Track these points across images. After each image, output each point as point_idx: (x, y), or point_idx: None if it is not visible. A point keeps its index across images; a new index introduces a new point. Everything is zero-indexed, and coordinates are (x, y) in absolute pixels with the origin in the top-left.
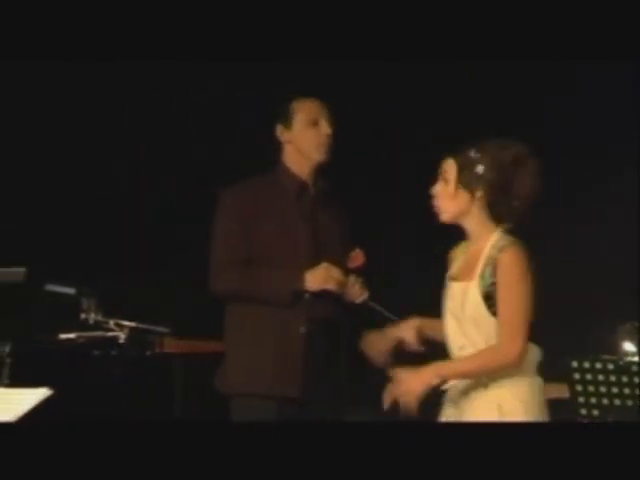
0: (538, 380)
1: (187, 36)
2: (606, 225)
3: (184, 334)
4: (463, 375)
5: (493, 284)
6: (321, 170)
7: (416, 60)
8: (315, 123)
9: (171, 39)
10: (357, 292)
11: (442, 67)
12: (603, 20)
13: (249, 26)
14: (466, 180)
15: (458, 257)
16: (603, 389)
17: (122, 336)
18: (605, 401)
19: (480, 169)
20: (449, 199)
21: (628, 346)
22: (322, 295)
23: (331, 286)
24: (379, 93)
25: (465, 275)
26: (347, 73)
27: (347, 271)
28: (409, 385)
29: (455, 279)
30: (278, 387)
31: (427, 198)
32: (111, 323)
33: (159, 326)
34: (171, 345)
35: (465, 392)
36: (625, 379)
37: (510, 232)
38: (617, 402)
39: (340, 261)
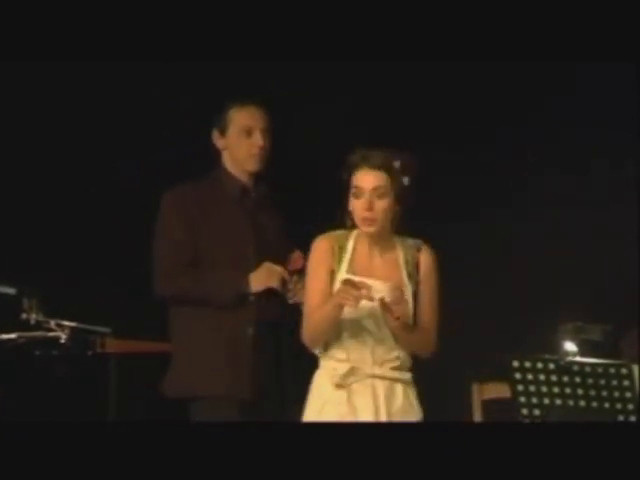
0: None
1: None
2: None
3: (125, 334)
4: (405, 338)
5: (416, 282)
6: (262, 173)
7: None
8: (249, 133)
9: (166, 39)
10: (299, 291)
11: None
12: (604, 21)
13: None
14: (398, 192)
15: (344, 251)
16: (544, 389)
17: (63, 336)
18: (546, 401)
19: (406, 180)
20: (386, 212)
21: (569, 346)
22: (268, 296)
23: (274, 284)
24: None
25: (389, 277)
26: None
27: (288, 273)
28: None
29: (372, 277)
30: (230, 389)
31: None
32: (52, 323)
33: (100, 326)
34: (112, 345)
35: None
36: (566, 379)
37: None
38: (558, 402)
39: (281, 263)
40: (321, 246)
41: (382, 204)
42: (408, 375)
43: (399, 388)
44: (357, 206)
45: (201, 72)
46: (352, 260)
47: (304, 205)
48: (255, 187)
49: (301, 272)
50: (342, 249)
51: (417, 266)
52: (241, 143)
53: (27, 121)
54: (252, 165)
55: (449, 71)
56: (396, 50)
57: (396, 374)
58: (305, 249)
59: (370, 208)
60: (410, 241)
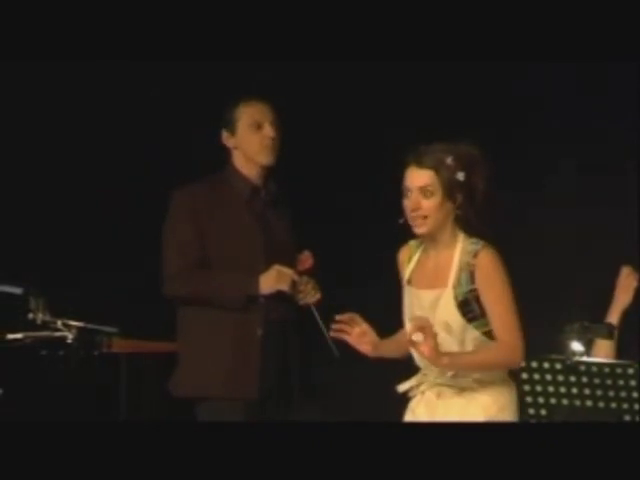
0: (513, 383)
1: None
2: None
3: (132, 334)
4: (467, 367)
5: (472, 291)
6: (271, 173)
7: (375, 60)
8: (259, 127)
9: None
10: (310, 292)
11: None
12: (604, 20)
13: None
14: (450, 190)
15: (411, 260)
16: (551, 389)
17: (70, 336)
18: (553, 401)
19: (460, 176)
20: (435, 212)
21: (576, 346)
22: (277, 297)
23: (284, 287)
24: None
25: (434, 283)
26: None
27: (297, 273)
28: (424, 349)
29: (420, 287)
30: (237, 389)
31: (382, 198)
32: (59, 323)
33: (107, 326)
34: (119, 345)
35: (449, 399)
36: (573, 379)
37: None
38: (565, 402)
39: (290, 263)
40: (397, 258)
41: (429, 203)
42: (474, 384)
43: (463, 396)
44: (406, 206)
45: (202, 72)
46: (413, 270)
47: (313, 204)
48: (265, 187)
49: (309, 272)
50: (410, 258)
51: (473, 274)
52: (252, 137)
53: (31, 123)
54: (265, 157)
55: (450, 72)
56: (398, 51)
57: (454, 382)
58: (313, 249)
59: (416, 208)
60: (472, 245)
